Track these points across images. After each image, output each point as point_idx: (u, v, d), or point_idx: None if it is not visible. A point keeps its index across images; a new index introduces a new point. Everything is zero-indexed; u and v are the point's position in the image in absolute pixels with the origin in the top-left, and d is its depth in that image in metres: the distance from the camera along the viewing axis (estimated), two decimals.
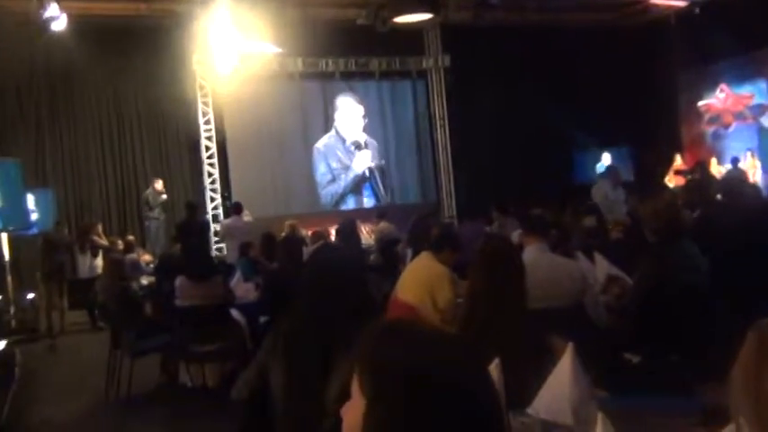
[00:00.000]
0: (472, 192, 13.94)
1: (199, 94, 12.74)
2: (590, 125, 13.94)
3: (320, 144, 14.21)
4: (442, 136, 15.03)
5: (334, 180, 14.27)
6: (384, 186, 14.67)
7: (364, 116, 14.56)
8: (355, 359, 1.02)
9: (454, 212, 14.74)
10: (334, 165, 14.27)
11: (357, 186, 14.47)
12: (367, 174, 14.47)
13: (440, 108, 15.02)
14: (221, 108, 12.98)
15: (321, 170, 14.18)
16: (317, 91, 14.23)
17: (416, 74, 14.87)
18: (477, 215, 9.64)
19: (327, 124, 14.30)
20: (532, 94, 13.76)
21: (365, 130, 14.56)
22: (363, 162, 14.43)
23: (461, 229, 8.60)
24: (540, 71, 13.99)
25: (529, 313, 2.54)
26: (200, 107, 12.81)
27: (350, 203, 14.42)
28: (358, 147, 14.42)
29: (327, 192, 14.23)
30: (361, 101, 14.55)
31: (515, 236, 5.23)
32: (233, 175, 13.21)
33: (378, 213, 11.34)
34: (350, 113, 14.47)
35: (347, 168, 14.35)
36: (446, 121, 14.96)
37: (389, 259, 7.92)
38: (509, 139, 14.16)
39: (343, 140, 14.38)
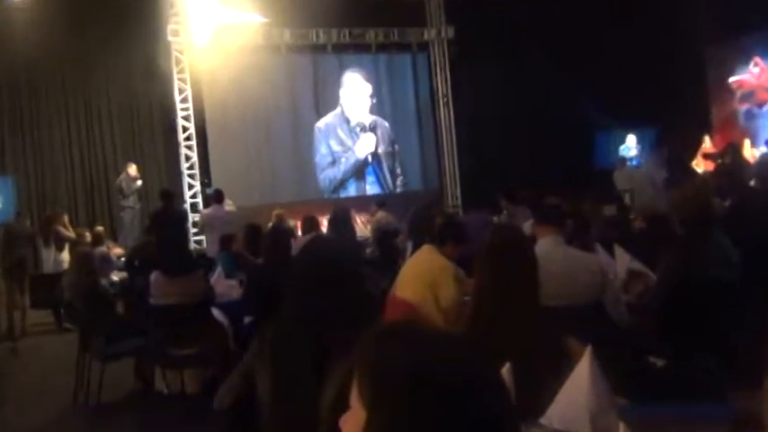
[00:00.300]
0: (478, 178, 13.92)
1: (175, 69, 12.68)
2: (609, 103, 13.90)
3: (321, 123, 14.22)
4: (446, 115, 15.01)
5: (334, 163, 14.28)
6: (392, 173, 14.68)
7: (372, 95, 14.54)
8: (353, 366, 1.02)
9: (459, 201, 14.77)
10: (336, 147, 14.27)
11: (359, 172, 14.48)
12: (369, 158, 14.46)
13: (443, 84, 15.00)
14: (200, 84, 12.93)
15: (322, 151, 14.19)
16: (307, 65, 14.20)
17: (417, 47, 14.85)
18: (483, 204, 9.66)
19: (318, 102, 14.27)
20: (544, 69, 13.71)
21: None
22: (367, 146, 14.43)
23: (467, 219, 8.60)
24: (552, 43, 13.92)
25: (542, 312, 2.54)
26: (177, 83, 12.75)
27: (351, 190, 14.45)
28: (363, 129, 14.41)
29: (326, 175, 14.26)
30: (369, 78, 14.53)
31: (527, 227, 5.24)
32: (213, 160, 13.20)
33: (377, 202, 11.37)
34: (356, 92, 14.48)
35: (349, 150, 14.36)
36: (449, 99, 14.95)
37: (387, 253, 7.93)
38: (519, 118, 14.14)
39: (347, 120, 14.38)
